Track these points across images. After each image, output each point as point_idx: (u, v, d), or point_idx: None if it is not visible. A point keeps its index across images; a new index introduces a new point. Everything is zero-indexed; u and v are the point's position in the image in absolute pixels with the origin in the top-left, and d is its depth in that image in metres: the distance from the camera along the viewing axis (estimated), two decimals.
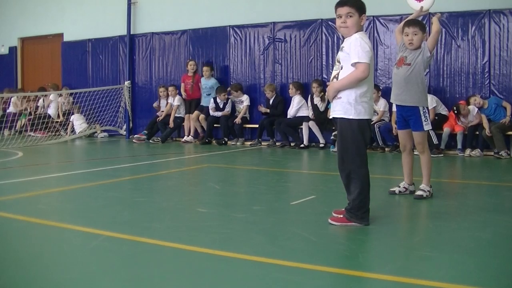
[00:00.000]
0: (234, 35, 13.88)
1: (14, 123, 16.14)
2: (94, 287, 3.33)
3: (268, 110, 12.92)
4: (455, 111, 10.95)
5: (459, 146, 11.01)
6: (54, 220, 5.15)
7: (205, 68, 13.79)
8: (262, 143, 12.91)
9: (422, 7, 6.45)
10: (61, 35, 17.22)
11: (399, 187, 6.41)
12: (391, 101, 6.44)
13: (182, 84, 14.04)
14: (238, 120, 13.15)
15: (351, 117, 4.74)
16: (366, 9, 4.84)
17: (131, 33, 15.52)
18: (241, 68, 13.83)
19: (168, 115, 14.10)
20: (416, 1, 6.53)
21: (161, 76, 15.11)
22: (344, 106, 4.76)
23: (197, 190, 7.17)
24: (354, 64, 4.67)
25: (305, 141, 12.33)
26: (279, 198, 6.44)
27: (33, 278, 3.48)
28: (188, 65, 13.94)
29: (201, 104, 13.87)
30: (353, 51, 4.68)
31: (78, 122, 15.27)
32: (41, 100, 16.65)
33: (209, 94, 13.71)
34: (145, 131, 14.14)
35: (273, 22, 13.37)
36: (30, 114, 16.29)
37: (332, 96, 4.85)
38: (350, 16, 4.77)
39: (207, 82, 13.75)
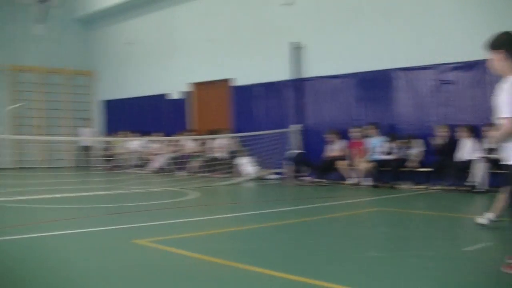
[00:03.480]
0: (399, 77, 13.70)
1: (187, 165, 16.97)
2: None
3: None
4: None
5: None
6: (226, 259, 5.33)
7: (370, 130, 13.73)
8: (432, 187, 12.50)
9: None
10: (231, 80, 17.93)
11: None
12: None
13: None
14: (412, 164, 12.81)
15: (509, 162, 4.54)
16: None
17: (298, 77, 15.81)
18: (408, 111, 13.58)
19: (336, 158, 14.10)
20: None
21: (328, 119, 15.15)
22: (508, 152, 4.55)
23: (368, 234, 7.08)
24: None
25: (479, 184, 11.75)
26: (451, 244, 6.25)
27: None
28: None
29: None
30: (500, 102, 4.46)
31: (247, 164, 15.68)
32: (213, 143, 17.29)
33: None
34: (313, 174, 14.20)
35: (438, 64, 13.05)
36: (201, 156, 17.02)
37: (496, 145, 4.67)
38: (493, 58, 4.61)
39: (375, 141, 13.65)
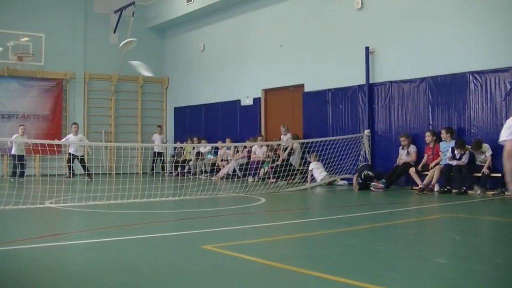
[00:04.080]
0: (474, 81, 13.32)
1: (257, 171, 16.98)
2: None
3: None
4: None
5: None
6: (292, 265, 5.31)
7: (444, 135, 13.40)
8: (506, 193, 12.08)
9: None
10: (302, 86, 17.88)
11: None
12: None
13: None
14: (485, 170, 12.44)
15: None
16: None
17: (370, 82, 15.62)
18: (482, 115, 13.19)
19: (407, 163, 13.91)
20: None
21: (400, 124, 14.93)
22: None
23: (437, 240, 6.94)
24: None
25: None
26: None
27: None
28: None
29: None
30: None
31: (317, 170, 15.59)
32: (282, 149, 17.29)
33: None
34: (383, 180, 14.00)
35: None
36: (273, 161, 17.01)
37: None
38: None
39: (447, 146, 13.33)
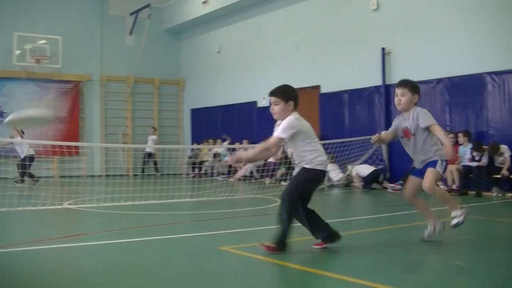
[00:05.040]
0: (491, 82, 13.24)
1: (274, 172, 16.97)
2: None
3: None
4: None
5: None
6: (310, 266, 5.33)
7: (461, 139, 13.33)
8: None
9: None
10: (318, 87, 17.86)
11: None
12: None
13: None
14: (504, 172, 12.36)
15: None
16: None
17: (386, 83, 15.58)
18: (500, 116, 13.11)
19: None
20: None
21: None
22: None
23: (453, 242, 6.87)
24: None
25: None
26: None
27: None
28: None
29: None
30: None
31: (334, 171, 15.55)
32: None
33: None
34: (400, 181, 13.94)
35: None
36: (288, 163, 16.99)
37: None
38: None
39: (464, 148, 13.26)
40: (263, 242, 5.76)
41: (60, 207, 10.49)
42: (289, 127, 5.77)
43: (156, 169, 21.78)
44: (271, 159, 17.81)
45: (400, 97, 6.49)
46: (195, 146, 22.13)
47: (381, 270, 5.14)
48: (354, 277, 4.72)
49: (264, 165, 17.44)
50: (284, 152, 17.43)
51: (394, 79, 15.50)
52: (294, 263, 5.41)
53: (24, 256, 5.93)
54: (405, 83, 6.60)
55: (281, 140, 5.80)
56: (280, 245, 5.68)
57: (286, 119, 5.84)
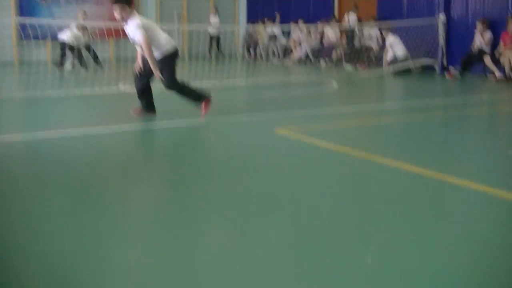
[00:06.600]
0: None
1: (329, 55, 16.70)
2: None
3: None
4: None
5: None
6: (363, 150, 5.37)
7: None
8: None
9: None
10: None
11: None
12: None
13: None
14: None
15: None
16: None
17: None
18: None
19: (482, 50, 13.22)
20: None
21: (478, 9, 14.15)
22: None
23: (510, 132, 6.75)
24: None
25: None
26: None
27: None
28: None
29: None
30: None
31: (398, 46, 14.67)
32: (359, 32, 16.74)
33: None
34: (457, 67, 13.54)
35: None
36: (344, 46, 16.68)
37: None
38: None
39: None
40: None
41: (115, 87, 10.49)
42: (140, 28, 6.76)
43: (220, 52, 21.03)
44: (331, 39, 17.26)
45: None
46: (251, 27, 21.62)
47: (433, 158, 5.12)
48: (405, 162, 4.74)
49: (321, 47, 17.18)
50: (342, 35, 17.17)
51: None
52: (345, 145, 5.45)
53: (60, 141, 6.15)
54: None
55: (147, 38, 6.76)
56: (202, 99, 7.18)
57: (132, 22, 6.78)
